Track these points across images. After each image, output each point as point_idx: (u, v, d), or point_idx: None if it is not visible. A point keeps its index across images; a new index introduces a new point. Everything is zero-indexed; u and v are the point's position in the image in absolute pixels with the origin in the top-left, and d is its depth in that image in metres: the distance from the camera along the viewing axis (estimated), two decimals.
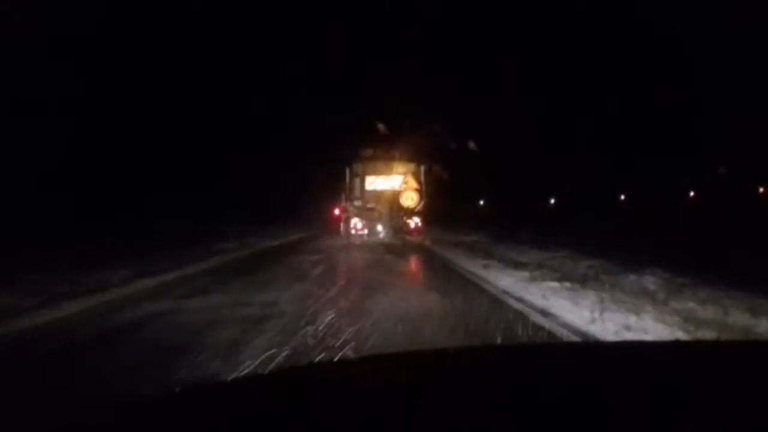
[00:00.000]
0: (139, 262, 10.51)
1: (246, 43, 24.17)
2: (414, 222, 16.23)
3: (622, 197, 45.30)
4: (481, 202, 31.63)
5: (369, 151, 16.87)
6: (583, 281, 7.23)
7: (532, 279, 7.96)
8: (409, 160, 16.61)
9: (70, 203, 16.26)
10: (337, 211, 17.07)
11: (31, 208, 14.97)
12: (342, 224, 16.55)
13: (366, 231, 16.26)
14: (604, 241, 12.76)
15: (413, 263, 12.03)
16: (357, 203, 16.33)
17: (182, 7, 19.75)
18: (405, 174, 16.33)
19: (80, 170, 17.03)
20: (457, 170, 25.78)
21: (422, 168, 16.54)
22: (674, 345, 2.37)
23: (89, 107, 17.25)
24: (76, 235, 14.14)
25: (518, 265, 9.62)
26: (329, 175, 18.69)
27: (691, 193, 44.39)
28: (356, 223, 16.20)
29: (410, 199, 16.23)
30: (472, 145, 23.50)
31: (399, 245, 15.45)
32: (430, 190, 17.14)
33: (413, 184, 16.28)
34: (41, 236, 13.84)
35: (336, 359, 3.87)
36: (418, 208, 16.21)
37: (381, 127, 19.33)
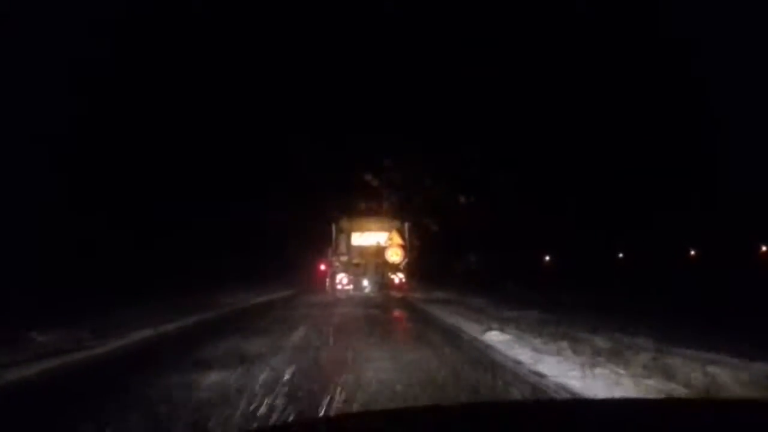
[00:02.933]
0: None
1: (236, 104, 25.25)
2: (399, 277, 16.53)
3: (621, 255, 45.27)
4: (473, 258, 31.85)
5: (355, 208, 17.45)
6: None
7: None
8: (394, 216, 17.14)
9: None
10: (322, 266, 17.40)
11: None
12: (328, 279, 16.86)
13: (351, 286, 16.53)
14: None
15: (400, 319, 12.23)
16: (343, 258, 16.70)
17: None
18: (390, 230, 16.79)
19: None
20: (448, 225, 26.15)
21: (407, 225, 17.01)
22: (668, 402, 2.35)
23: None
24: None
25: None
26: (315, 230, 19.13)
27: (692, 252, 44.34)
28: (342, 278, 16.51)
29: (395, 254, 16.62)
30: (462, 199, 23.99)
31: (384, 300, 15.68)
32: (420, 245, 17.55)
33: (398, 240, 16.70)
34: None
35: (329, 415, 3.87)
36: (403, 263, 16.57)
37: (369, 178, 19.89)
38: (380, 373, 5.51)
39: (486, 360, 6.42)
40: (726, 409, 1.66)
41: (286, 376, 5.42)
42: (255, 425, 3.94)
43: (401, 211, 18.22)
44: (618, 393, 4.75)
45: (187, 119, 21.39)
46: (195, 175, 21.46)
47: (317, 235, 18.59)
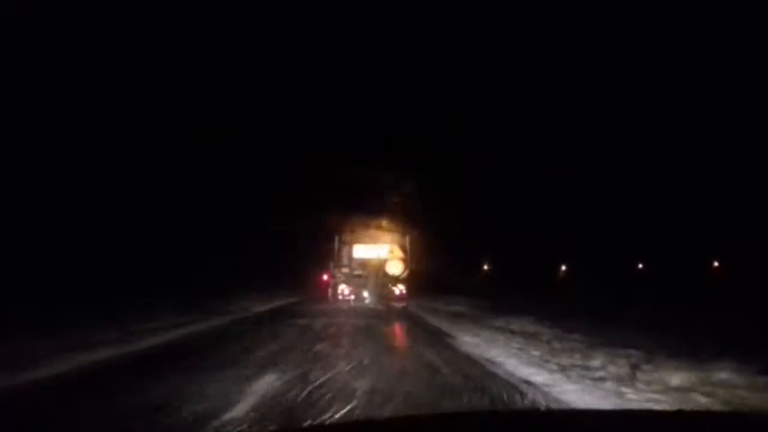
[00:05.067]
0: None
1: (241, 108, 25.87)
2: (399, 289, 16.89)
3: (640, 266, 44.46)
4: (485, 267, 31.85)
5: (359, 218, 17.92)
6: None
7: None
8: (395, 230, 17.51)
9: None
10: (325, 277, 17.87)
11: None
12: (330, 289, 17.33)
13: (353, 296, 16.99)
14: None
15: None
16: (345, 270, 17.17)
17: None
18: (391, 243, 17.18)
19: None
20: (458, 234, 26.38)
21: (407, 238, 17.37)
22: (676, 415, 2.31)
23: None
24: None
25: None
26: (319, 240, 19.57)
27: (715, 263, 43.14)
28: (343, 288, 16.99)
29: (396, 267, 17.00)
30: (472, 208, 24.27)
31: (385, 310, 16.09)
32: (427, 252, 17.89)
33: (398, 253, 17.09)
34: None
35: (329, 423, 3.89)
36: (403, 275, 16.93)
37: (375, 185, 20.20)
38: None
39: None
40: (728, 422, 1.66)
41: None
42: None
43: (407, 218, 18.58)
44: None
45: (191, 127, 22.05)
46: (198, 183, 22.14)
47: (322, 245, 19.01)
